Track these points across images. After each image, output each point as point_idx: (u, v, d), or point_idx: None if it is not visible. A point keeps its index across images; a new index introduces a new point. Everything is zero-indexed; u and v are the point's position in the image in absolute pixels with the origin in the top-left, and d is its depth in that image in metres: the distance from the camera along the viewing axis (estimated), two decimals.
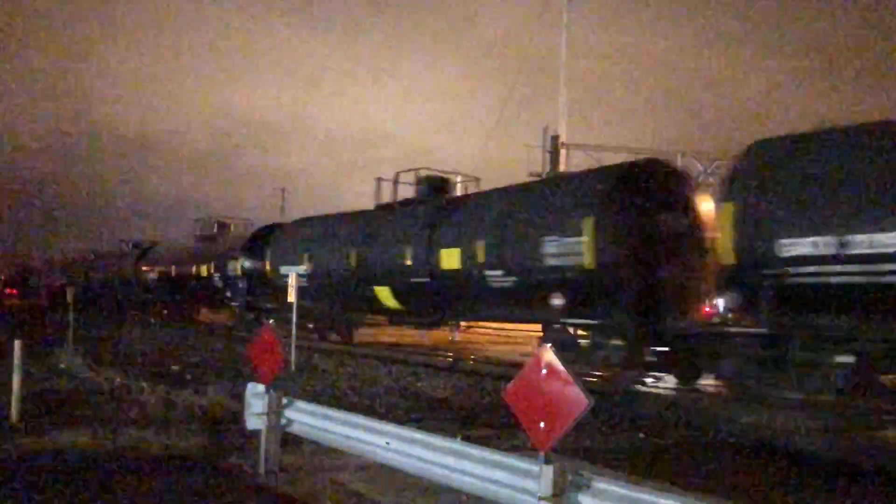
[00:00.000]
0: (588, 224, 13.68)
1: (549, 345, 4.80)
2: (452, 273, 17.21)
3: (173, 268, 35.37)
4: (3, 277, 75.80)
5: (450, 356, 19.84)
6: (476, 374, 15.44)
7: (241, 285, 28.52)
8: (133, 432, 8.79)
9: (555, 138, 27.21)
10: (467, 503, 6.20)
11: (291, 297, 16.41)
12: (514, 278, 15.47)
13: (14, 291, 70.77)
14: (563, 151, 26.82)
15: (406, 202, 21.30)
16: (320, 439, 7.22)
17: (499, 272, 15.76)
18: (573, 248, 13.89)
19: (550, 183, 16.38)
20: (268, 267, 25.82)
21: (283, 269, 22.70)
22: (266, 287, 26.46)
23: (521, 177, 20.67)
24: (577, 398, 4.50)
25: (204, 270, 31.58)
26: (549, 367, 4.66)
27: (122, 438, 8.50)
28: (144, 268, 39.40)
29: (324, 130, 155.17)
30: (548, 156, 27.01)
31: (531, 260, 14.81)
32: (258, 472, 7.19)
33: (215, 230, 34.88)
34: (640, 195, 13.85)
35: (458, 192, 21.18)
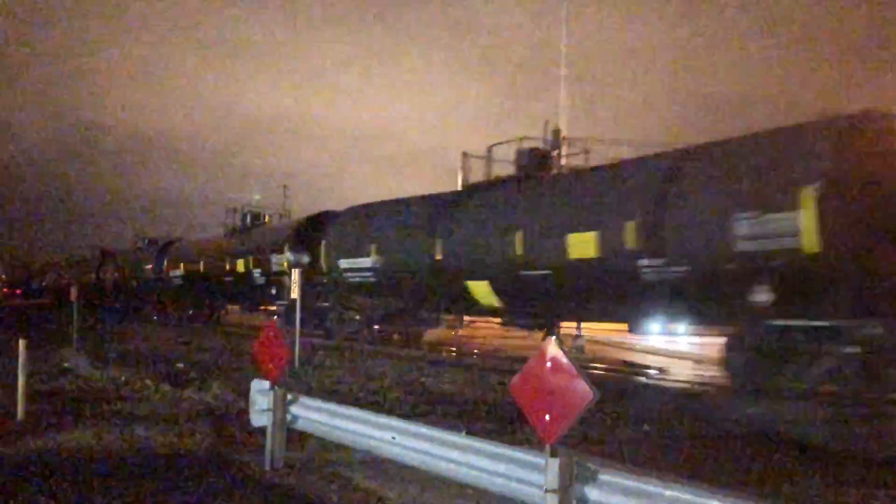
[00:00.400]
0: (807, 195, 10.46)
1: (554, 338, 4.80)
2: (584, 263, 13.76)
3: (201, 264, 32.33)
4: (3, 277, 75.86)
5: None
6: (481, 369, 15.43)
7: (287, 282, 25.13)
8: (138, 431, 8.80)
9: (556, 132, 27.14)
10: (473, 497, 6.19)
11: (295, 293, 16.38)
12: (683, 268, 12.16)
13: (18, 291, 70.87)
14: (564, 145, 26.76)
15: (508, 179, 17.61)
16: (325, 435, 7.23)
17: (658, 261, 12.46)
18: (783, 226, 10.70)
19: (743, 143, 12.25)
20: (323, 261, 22.60)
21: (345, 263, 20.64)
22: (320, 284, 23.38)
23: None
24: (582, 391, 4.50)
25: (240, 266, 28.40)
26: (554, 360, 4.66)
27: (127, 437, 8.51)
28: (166, 265, 36.38)
29: (325, 127, 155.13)
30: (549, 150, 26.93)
31: (714, 244, 11.57)
32: (264, 469, 7.21)
33: (248, 222, 31.55)
34: (877, 155, 10.82)
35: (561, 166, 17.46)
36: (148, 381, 12.58)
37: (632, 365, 18.04)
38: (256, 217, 31.62)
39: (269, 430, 7.31)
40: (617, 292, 13.54)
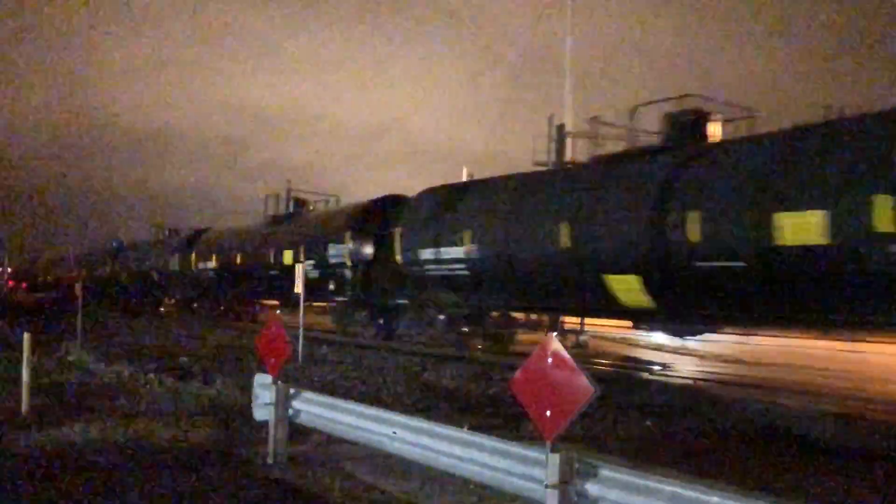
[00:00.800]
0: None
1: (555, 334, 4.80)
2: (805, 251, 10.59)
3: (238, 256, 28.84)
4: (10, 270, 76.06)
5: None
6: (484, 364, 15.44)
7: (348, 275, 22.08)
8: (142, 424, 8.83)
9: (560, 127, 27.11)
10: (475, 492, 6.21)
11: (299, 287, 16.39)
12: None
13: (24, 285, 71.04)
14: (568, 141, 26.73)
15: (665, 146, 14.26)
16: (328, 429, 7.25)
17: None
18: None
19: None
20: (397, 251, 19.48)
21: (427, 253, 17.76)
22: (392, 278, 20.40)
23: (527, 166, 19.88)
24: (583, 386, 4.51)
25: (287, 257, 25.09)
26: (556, 355, 4.67)
27: (131, 430, 8.54)
28: (194, 257, 32.97)
29: (329, 122, 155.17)
30: (553, 145, 26.91)
31: None
32: (266, 463, 7.23)
33: (291, 209, 28.02)
34: None
35: (717, 133, 14.19)
36: (152, 376, 12.61)
37: (635, 361, 18.03)
38: (300, 203, 28.11)
39: (271, 425, 7.34)
40: (858, 289, 10.31)
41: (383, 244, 20.85)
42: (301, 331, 16.15)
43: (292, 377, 10.94)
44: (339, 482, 6.68)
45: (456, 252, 16.85)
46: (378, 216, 22.10)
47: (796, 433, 9.00)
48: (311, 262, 23.26)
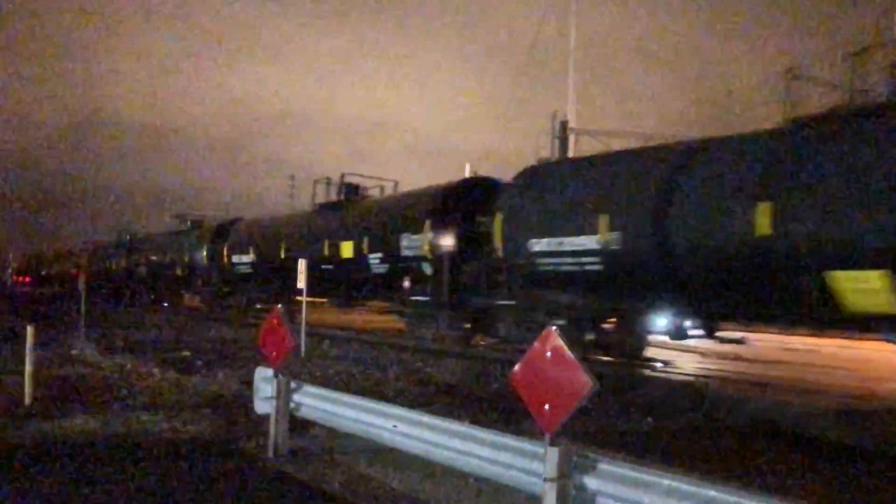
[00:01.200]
0: None
1: (555, 328, 4.81)
2: None
3: (282, 248, 25.60)
4: (15, 265, 76.27)
5: None
6: (485, 359, 15.44)
7: (428, 271, 18.72)
8: (144, 417, 8.88)
9: (563, 124, 27.13)
10: (474, 485, 6.23)
11: (302, 282, 16.41)
12: None
13: (28, 279, 71.22)
14: (571, 137, 26.74)
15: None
16: (328, 423, 7.28)
17: None
18: None
19: None
20: (496, 242, 15.85)
21: (539, 244, 14.30)
22: (489, 274, 16.87)
23: (531, 162, 19.67)
24: (581, 381, 4.52)
25: (346, 250, 21.91)
26: (555, 350, 4.69)
27: (133, 423, 8.59)
28: (226, 250, 29.93)
29: (331, 118, 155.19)
30: (556, 142, 26.93)
31: None
32: (267, 456, 7.26)
33: (342, 195, 24.70)
34: None
35: None
36: (154, 369, 12.67)
37: (636, 357, 17.97)
38: (350, 189, 24.72)
39: (272, 418, 7.37)
40: None
41: (473, 234, 17.58)
42: (303, 326, 16.17)
43: (294, 371, 10.98)
44: (339, 475, 6.71)
45: (586, 242, 13.42)
46: (464, 201, 18.61)
47: (795, 430, 9.02)
48: (378, 255, 20.53)
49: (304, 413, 7.49)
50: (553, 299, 14.89)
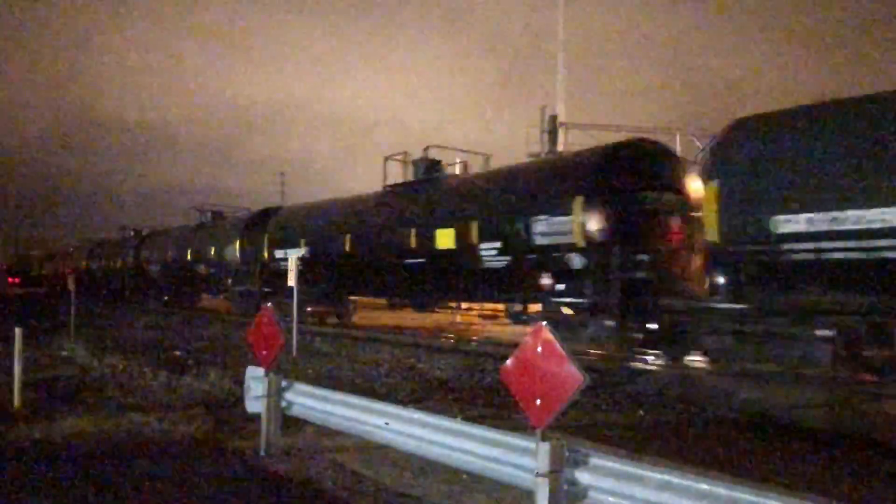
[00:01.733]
0: None
1: (545, 322, 4.80)
2: None
3: (347, 242, 21.13)
4: (4, 266, 75.82)
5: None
6: (478, 355, 15.43)
7: (577, 263, 14.28)
8: (135, 417, 8.82)
9: (553, 118, 27.13)
10: (467, 482, 6.23)
11: (291, 280, 16.33)
12: None
13: (17, 280, 70.72)
14: (561, 131, 26.75)
15: None
16: (320, 421, 7.26)
17: None
18: None
19: None
20: (711, 217, 11.38)
21: (793, 222, 10.00)
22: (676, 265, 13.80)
23: (521, 157, 19.61)
24: (572, 375, 4.52)
25: (443, 240, 17.56)
26: (546, 344, 4.68)
27: (124, 424, 8.54)
28: (266, 244, 25.31)
29: (321, 116, 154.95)
30: (546, 136, 26.95)
31: None
32: (259, 455, 7.23)
33: (439, 173, 20.19)
34: None
35: None
36: (145, 369, 12.60)
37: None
38: (433, 165, 20.36)
39: (263, 417, 7.33)
40: None
41: (647, 213, 13.87)
42: (295, 324, 16.12)
43: (285, 370, 10.94)
44: (331, 473, 6.69)
45: (887, 216, 9.31)
46: (626, 172, 14.39)
47: (785, 420, 9.05)
48: (495, 244, 16.17)
49: (295, 412, 7.46)
50: (813, 300, 10.82)
